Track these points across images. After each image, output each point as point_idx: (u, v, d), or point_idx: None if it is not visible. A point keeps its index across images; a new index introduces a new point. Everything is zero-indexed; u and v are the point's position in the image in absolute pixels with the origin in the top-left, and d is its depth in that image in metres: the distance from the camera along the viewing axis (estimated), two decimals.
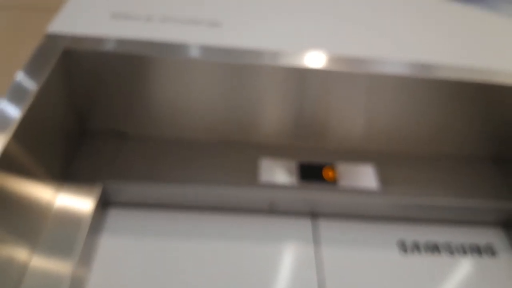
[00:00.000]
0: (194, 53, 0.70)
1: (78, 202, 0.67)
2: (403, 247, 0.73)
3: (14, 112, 0.58)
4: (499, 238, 0.77)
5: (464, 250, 0.75)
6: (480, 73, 0.72)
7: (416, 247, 0.74)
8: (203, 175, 0.74)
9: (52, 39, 0.69)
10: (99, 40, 0.69)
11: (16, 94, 0.60)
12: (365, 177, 0.76)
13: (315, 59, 0.71)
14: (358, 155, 0.80)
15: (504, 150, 0.83)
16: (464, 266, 0.72)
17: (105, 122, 0.78)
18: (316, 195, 0.74)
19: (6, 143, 0.54)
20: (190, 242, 0.71)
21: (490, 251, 0.75)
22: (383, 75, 0.71)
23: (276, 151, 0.79)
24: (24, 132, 0.58)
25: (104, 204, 0.72)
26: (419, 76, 0.71)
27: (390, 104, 0.75)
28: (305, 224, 0.75)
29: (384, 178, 0.77)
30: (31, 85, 0.61)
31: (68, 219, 0.65)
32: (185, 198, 0.74)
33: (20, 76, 0.62)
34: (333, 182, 0.75)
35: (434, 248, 0.74)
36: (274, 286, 0.67)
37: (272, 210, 0.75)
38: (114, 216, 0.72)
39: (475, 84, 0.71)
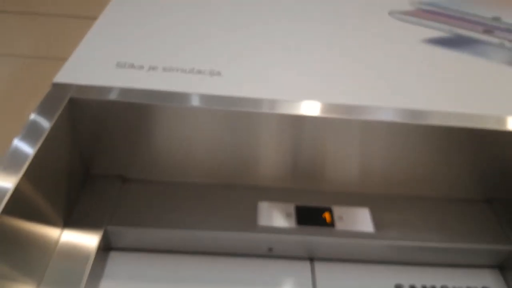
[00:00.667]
0: (195, 101, 0.73)
1: (80, 246, 0.68)
2: None
3: (27, 150, 0.60)
4: (496, 281, 0.78)
5: None
6: (469, 119, 0.75)
7: None
8: (203, 219, 0.75)
9: (58, 89, 0.72)
10: (103, 89, 0.72)
11: (28, 135, 0.63)
12: (361, 220, 0.78)
13: (310, 107, 0.74)
14: (354, 199, 0.81)
15: (498, 192, 0.84)
16: None
17: (108, 167, 0.80)
18: (314, 238, 0.75)
19: (18, 181, 0.56)
20: (189, 286, 0.71)
21: None
22: (376, 121, 0.73)
23: (274, 194, 0.80)
24: (35, 171, 0.60)
25: (105, 249, 0.73)
26: (411, 123, 0.73)
27: (384, 150, 0.77)
28: (304, 268, 0.75)
29: (380, 222, 0.78)
30: (41, 127, 0.64)
31: (69, 262, 0.66)
32: (185, 243, 0.75)
33: (32, 118, 0.66)
34: (331, 225, 0.76)
35: None
36: None
37: (271, 254, 0.76)
38: (115, 260, 0.73)
39: (465, 129, 0.74)
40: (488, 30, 1.04)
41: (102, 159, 0.79)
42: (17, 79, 0.78)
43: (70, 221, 0.72)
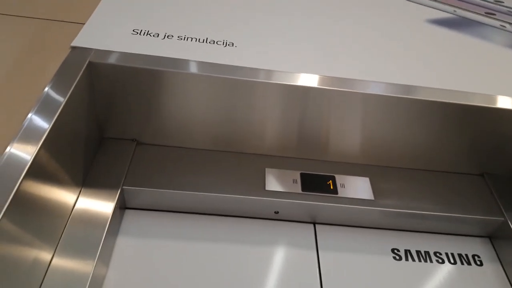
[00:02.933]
0: (208, 69, 0.75)
1: (98, 206, 0.72)
2: (397, 255, 0.79)
3: (44, 122, 0.61)
4: (486, 249, 0.83)
5: (453, 259, 0.80)
6: (466, 97, 0.78)
7: (409, 255, 0.79)
8: (214, 183, 0.79)
9: (77, 52, 0.74)
10: (121, 55, 0.74)
11: (45, 105, 0.64)
12: (362, 188, 0.82)
13: (316, 80, 0.77)
14: (356, 169, 0.86)
15: (491, 166, 0.89)
16: (453, 274, 0.78)
17: (123, 131, 0.82)
18: (317, 203, 0.79)
19: (36, 151, 0.57)
20: (200, 244, 0.75)
21: (477, 261, 0.81)
22: (377, 95, 0.76)
23: (281, 162, 0.84)
24: (52, 141, 0.61)
25: (120, 208, 0.76)
26: (410, 97, 0.77)
27: (383, 123, 0.81)
28: (308, 230, 0.80)
29: (379, 191, 0.82)
30: (59, 96, 0.66)
31: (88, 221, 0.69)
32: (196, 205, 0.79)
33: (50, 87, 0.67)
34: (334, 192, 0.80)
35: (425, 256, 0.79)
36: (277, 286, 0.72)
37: (277, 217, 0.80)
38: (130, 219, 0.77)
39: (461, 106, 0.77)
40: (490, 13, 1.07)
41: (117, 123, 0.82)
42: (34, 41, 0.80)
43: (86, 183, 0.75)
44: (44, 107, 0.63)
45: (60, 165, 0.66)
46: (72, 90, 0.67)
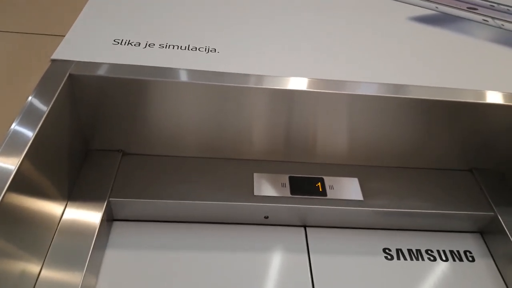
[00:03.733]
0: (191, 76, 0.75)
1: (85, 217, 0.71)
2: (389, 254, 0.79)
3: (27, 133, 0.61)
4: (478, 245, 0.83)
5: (445, 256, 0.80)
6: (452, 93, 0.78)
7: (401, 254, 0.79)
8: (202, 191, 0.78)
9: (58, 65, 0.73)
10: (102, 66, 0.74)
11: (27, 117, 0.63)
12: (351, 189, 0.82)
13: (301, 82, 0.76)
14: (344, 170, 0.85)
15: (479, 162, 0.89)
16: (446, 271, 0.78)
17: (108, 142, 0.82)
18: (307, 206, 0.78)
19: (19, 162, 0.57)
20: (189, 253, 0.75)
21: (469, 257, 0.81)
22: (363, 95, 0.76)
23: (269, 167, 0.84)
24: (35, 151, 0.61)
25: (108, 219, 0.75)
26: (396, 96, 0.77)
27: (370, 123, 0.81)
28: (298, 234, 0.80)
29: (368, 191, 0.82)
30: (41, 107, 0.65)
31: (75, 233, 0.69)
32: (184, 213, 0.78)
33: (31, 99, 0.66)
34: (323, 194, 0.80)
35: (417, 255, 0.79)
36: None
37: (267, 221, 0.80)
38: (119, 230, 0.76)
39: (447, 103, 0.77)
40: (472, 7, 1.08)
41: (102, 135, 0.81)
42: (15, 56, 0.79)
43: (73, 195, 0.74)
44: (26, 119, 0.63)
45: (45, 177, 0.66)
46: (54, 103, 0.66)
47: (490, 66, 0.88)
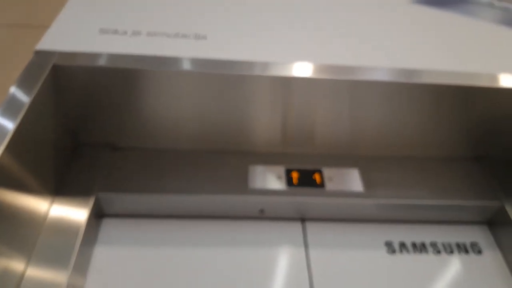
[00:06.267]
0: (182, 65, 0.72)
1: (72, 214, 0.69)
2: (391, 248, 0.75)
3: (7, 125, 0.59)
4: (485, 236, 0.80)
5: (450, 248, 0.77)
6: (458, 77, 0.74)
7: (404, 247, 0.76)
8: (194, 184, 0.75)
9: (41, 56, 0.71)
10: (88, 55, 0.71)
11: (8, 108, 0.61)
12: (351, 180, 0.79)
13: (300, 69, 0.73)
14: (344, 160, 0.82)
15: (486, 149, 0.85)
16: (451, 265, 0.75)
17: (97, 136, 0.79)
18: (304, 199, 0.75)
19: None
20: (183, 249, 0.72)
21: (476, 249, 0.77)
22: (366, 81, 0.73)
23: (265, 158, 0.81)
24: (17, 145, 0.59)
25: (97, 215, 0.73)
26: (400, 82, 0.73)
27: (373, 110, 0.77)
28: (296, 228, 0.77)
29: (369, 181, 0.79)
30: (22, 99, 0.63)
31: (62, 230, 0.67)
32: (177, 208, 0.75)
33: (12, 91, 0.64)
34: (321, 186, 0.77)
35: (421, 248, 0.76)
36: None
37: (263, 215, 0.77)
38: (108, 227, 0.73)
39: (454, 87, 0.74)
40: None
41: (90, 128, 0.78)
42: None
43: (60, 191, 0.72)
44: (6, 111, 0.61)
45: (28, 171, 0.64)
46: (36, 94, 0.64)
47: (497, 48, 0.84)
